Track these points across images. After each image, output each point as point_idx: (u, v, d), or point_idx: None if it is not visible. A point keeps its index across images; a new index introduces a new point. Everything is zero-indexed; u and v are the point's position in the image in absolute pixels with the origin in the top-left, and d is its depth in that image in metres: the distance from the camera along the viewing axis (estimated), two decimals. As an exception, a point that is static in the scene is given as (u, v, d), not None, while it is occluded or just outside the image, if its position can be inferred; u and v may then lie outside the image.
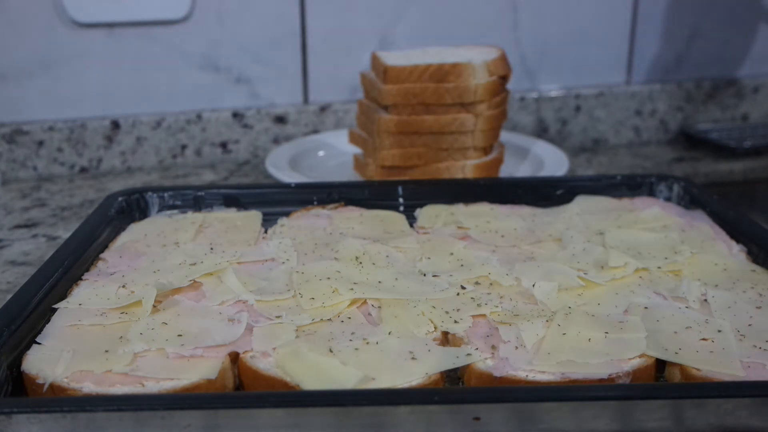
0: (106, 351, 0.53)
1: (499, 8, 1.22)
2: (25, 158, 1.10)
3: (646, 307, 0.60)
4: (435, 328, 0.57)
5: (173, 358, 0.53)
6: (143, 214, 0.82)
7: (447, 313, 0.59)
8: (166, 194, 0.83)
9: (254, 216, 0.80)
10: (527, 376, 0.52)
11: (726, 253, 0.70)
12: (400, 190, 0.84)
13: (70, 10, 1.07)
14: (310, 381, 0.50)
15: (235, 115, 1.17)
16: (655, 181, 0.86)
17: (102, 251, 0.71)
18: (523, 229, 0.76)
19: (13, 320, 0.55)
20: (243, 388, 0.54)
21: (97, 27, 1.10)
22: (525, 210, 0.81)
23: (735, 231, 0.74)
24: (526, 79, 1.26)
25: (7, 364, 0.52)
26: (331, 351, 0.53)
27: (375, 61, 0.95)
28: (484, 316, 0.59)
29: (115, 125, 1.13)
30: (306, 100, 1.20)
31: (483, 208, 0.81)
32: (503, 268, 0.67)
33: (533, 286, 0.63)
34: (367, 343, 0.55)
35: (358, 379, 0.49)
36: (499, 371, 0.52)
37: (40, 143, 1.10)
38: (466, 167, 0.94)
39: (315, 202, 0.83)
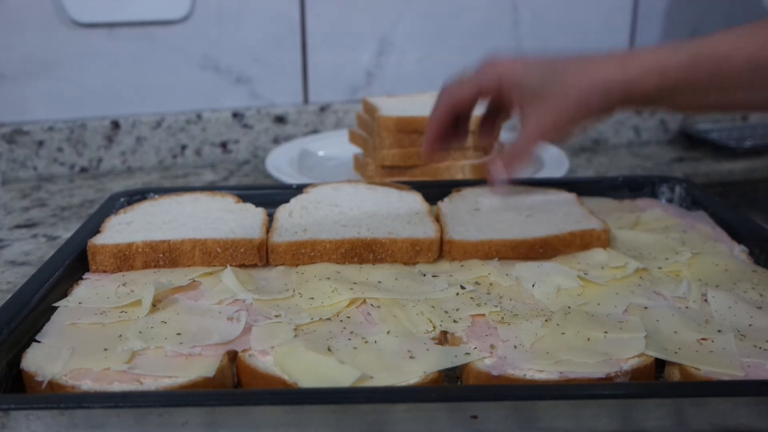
0: (105, 349, 0.53)
1: (499, 8, 1.22)
2: (25, 158, 1.10)
3: (645, 307, 0.60)
4: (434, 327, 0.57)
5: (172, 356, 0.53)
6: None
7: (446, 312, 0.59)
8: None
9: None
10: (525, 375, 0.52)
11: (727, 254, 0.70)
12: (399, 190, 0.83)
13: (70, 10, 1.07)
14: (307, 379, 0.50)
15: (235, 115, 1.17)
16: (657, 182, 0.85)
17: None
18: (524, 229, 0.75)
19: (12, 318, 0.55)
20: (241, 386, 0.54)
21: (97, 27, 1.10)
22: (526, 211, 0.80)
23: (737, 232, 0.73)
24: (527, 80, 1.26)
25: (7, 362, 0.52)
26: (329, 350, 0.53)
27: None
28: (483, 315, 0.59)
29: (115, 125, 1.13)
30: (306, 100, 1.20)
31: (484, 209, 0.80)
32: (503, 269, 0.66)
33: (533, 286, 0.63)
34: (366, 342, 0.55)
35: (355, 377, 0.49)
36: (498, 370, 0.52)
37: (40, 143, 1.10)
38: (466, 167, 0.94)
39: (315, 202, 0.82)
